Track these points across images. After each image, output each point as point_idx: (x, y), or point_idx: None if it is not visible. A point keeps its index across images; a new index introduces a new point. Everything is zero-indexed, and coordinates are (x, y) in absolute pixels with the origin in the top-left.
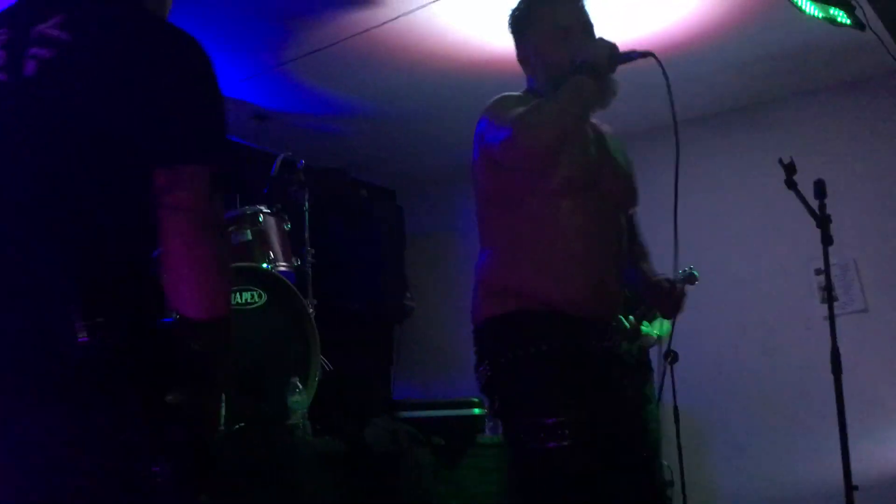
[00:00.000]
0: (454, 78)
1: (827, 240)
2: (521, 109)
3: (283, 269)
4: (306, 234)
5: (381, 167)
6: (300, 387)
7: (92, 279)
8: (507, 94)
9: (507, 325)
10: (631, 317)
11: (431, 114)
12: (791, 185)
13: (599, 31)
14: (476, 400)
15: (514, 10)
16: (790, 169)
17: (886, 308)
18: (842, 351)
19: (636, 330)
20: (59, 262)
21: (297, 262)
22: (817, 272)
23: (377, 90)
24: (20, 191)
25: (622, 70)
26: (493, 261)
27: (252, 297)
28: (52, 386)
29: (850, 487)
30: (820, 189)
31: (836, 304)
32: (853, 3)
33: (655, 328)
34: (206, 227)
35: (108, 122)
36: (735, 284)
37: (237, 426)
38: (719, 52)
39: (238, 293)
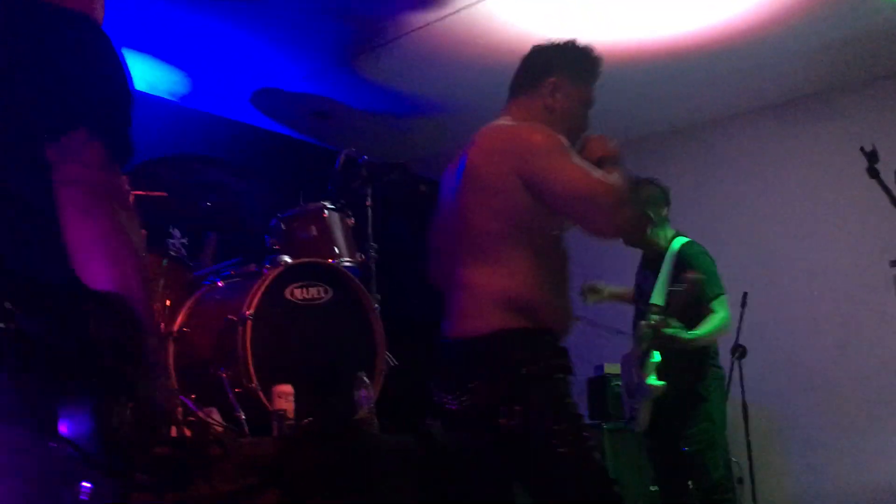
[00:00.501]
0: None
1: None
2: (604, 177)
3: (347, 264)
4: (369, 230)
5: (441, 162)
6: (367, 381)
7: None
8: (558, 136)
9: (532, 337)
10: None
11: (491, 108)
12: (874, 173)
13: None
14: None
15: (558, 58)
16: (872, 157)
17: None
18: None
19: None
20: None
21: (362, 257)
22: (892, 264)
23: (437, 85)
24: None
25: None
26: (514, 279)
27: (318, 292)
28: None
29: None
30: None
31: None
32: None
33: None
34: (101, 197)
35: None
36: (808, 277)
37: (305, 421)
38: (789, 39)
39: (305, 288)
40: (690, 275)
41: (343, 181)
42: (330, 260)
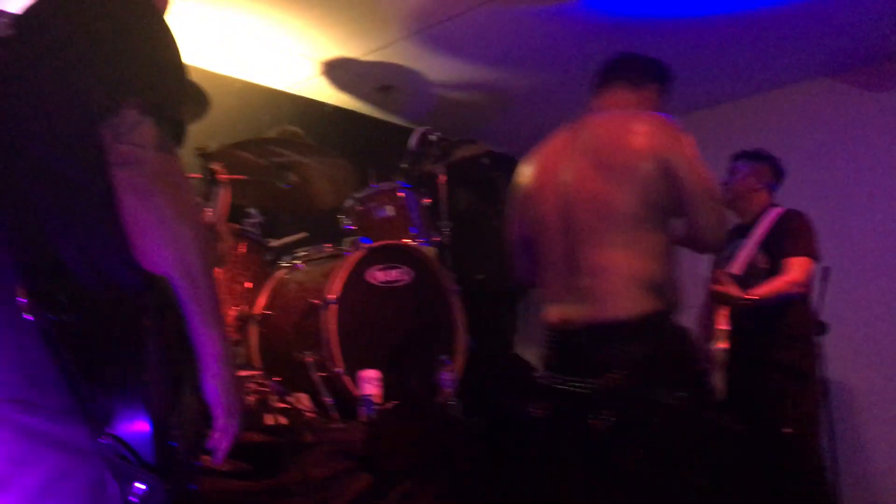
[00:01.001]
0: (577, 45)
1: None
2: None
3: (425, 244)
4: (443, 208)
5: (505, 134)
6: (449, 363)
7: (38, 262)
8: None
9: (671, 320)
10: None
11: (554, 81)
12: None
13: None
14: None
15: (662, 71)
16: None
17: None
18: None
19: None
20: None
21: (437, 236)
22: None
23: (501, 59)
24: None
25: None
26: (655, 261)
27: (399, 274)
28: None
29: None
30: None
31: None
32: None
33: None
34: (158, 178)
35: (53, 94)
36: (892, 249)
37: (391, 404)
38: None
39: (386, 270)
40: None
41: (417, 159)
42: (408, 241)
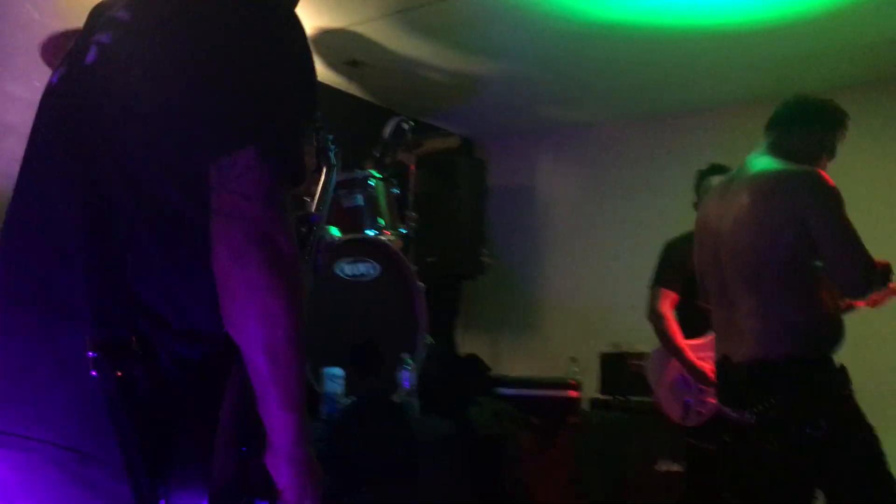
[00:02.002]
0: (549, 39)
1: None
2: (861, 243)
3: (391, 237)
4: (410, 198)
5: (469, 118)
6: (411, 363)
7: (112, 302)
8: (830, 181)
9: (824, 362)
10: None
11: (524, 73)
12: None
13: None
14: (573, 382)
15: (817, 109)
16: None
17: None
18: None
19: None
20: (81, 282)
21: (403, 229)
22: None
23: (476, 47)
24: (59, 199)
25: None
26: (801, 307)
27: (367, 268)
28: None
29: None
30: None
31: None
32: None
33: None
34: (259, 239)
35: (158, 111)
36: None
37: (349, 400)
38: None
39: (354, 264)
40: None
41: (390, 148)
42: (372, 231)
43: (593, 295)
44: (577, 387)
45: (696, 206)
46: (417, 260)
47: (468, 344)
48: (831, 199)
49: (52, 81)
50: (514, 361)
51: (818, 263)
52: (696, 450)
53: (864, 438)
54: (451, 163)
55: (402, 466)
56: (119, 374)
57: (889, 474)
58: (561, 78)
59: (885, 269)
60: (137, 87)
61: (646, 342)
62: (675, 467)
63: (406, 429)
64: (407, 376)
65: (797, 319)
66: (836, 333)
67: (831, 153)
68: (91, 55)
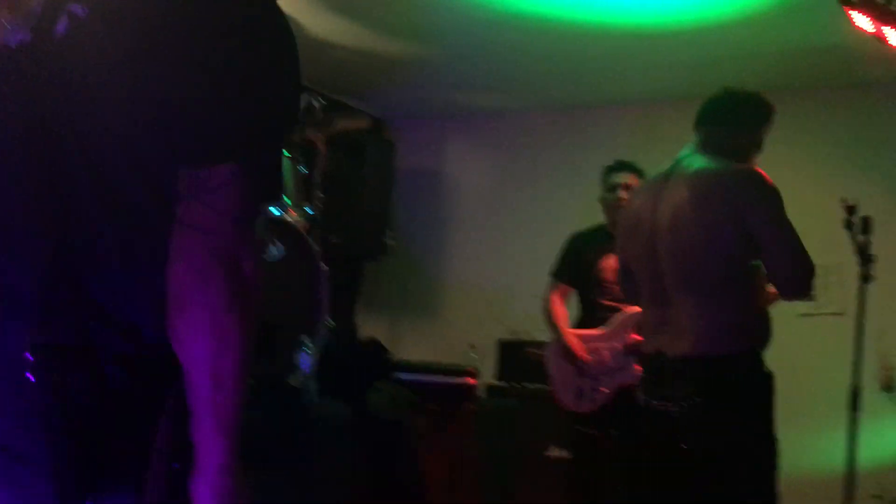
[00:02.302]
0: (464, 24)
1: None
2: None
3: (297, 217)
4: (317, 178)
5: (380, 98)
6: (309, 346)
7: (59, 298)
8: (770, 180)
9: (759, 359)
10: None
11: (436, 56)
12: (848, 225)
13: None
14: (470, 369)
15: (768, 114)
16: (851, 211)
17: None
18: None
19: None
20: (29, 274)
21: (309, 209)
22: None
23: (389, 27)
24: (12, 178)
25: None
26: (745, 307)
27: (270, 250)
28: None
29: None
30: None
31: None
32: None
33: None
34: (224, 257)
35: (132, 98)
36: None
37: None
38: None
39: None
40: None
41: (300, 126)
42: (279, 211)
43: (495, 282)
44: (474, 374)
45: (602, 201)
46: (321, 240)
47: (368, 326)
48: (772, 198)
49: (7, 44)
50: (413, 345)
51: (756, 262)
52: (582, 437)
53: (771, 450)
54: (360, 143)
55: (298, 450)
56: (55, 378)
57: (775, 492)
58: (475, 64)
59: None
60: (114, 74)
61: (544, 331)
62: (565, 454)
63: (302, 412)
64: (306, 360)
65: (735, 318)
66: (768, 332)
67: (759, 148)
68: (61, 25)
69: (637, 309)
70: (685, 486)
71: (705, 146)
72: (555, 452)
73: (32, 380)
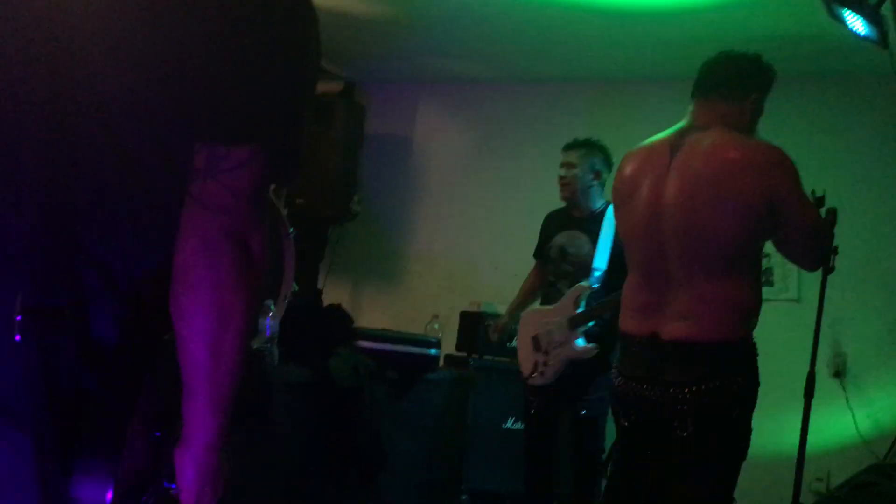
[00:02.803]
0: None
1: None
2: (821, 216)
3: None
4: None
5: (351, 60)
6: (273, 310)
7: (55, 255)
8: (791, 159)
9: (752, 347)
10: None
11: (407, 18)
12: None
13: None
14: (433, 340)
15: (759, 75)
16: (819, 202)
17: None
18: None
19: None
20: (28, 233)
21: None
22: None
23: None
24: (20, 131)
25: None
26: (749, 292)
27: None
28: None
29: None
30: None
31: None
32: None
33: None
34: (234, 237)
35: (162, 76)
36: None
37: None
38: None
39: None
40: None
41: None
42: None
43: (459, 252)
44: (437, 345)
45: (561, 179)
46: (286, 201)
47: (330, 291)
48: (796, 176)
49: None
50: (375, 312)
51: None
52: (532, 407)
53: (748, 441)
54: (329, 105)
55: (257, 415)
56: (44, 339)
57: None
58: (446, 31)
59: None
60: (139, 36)
61: (504, 303)
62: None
63: (262, 376)
64: (269, 323)
65: (740, 302)
66: (757, 317)
67: (761, 113)
68: None
69: (584, 286)
70: (677, 474)
71: (707, 117)
72: (512, 424)
73: (19, 340)
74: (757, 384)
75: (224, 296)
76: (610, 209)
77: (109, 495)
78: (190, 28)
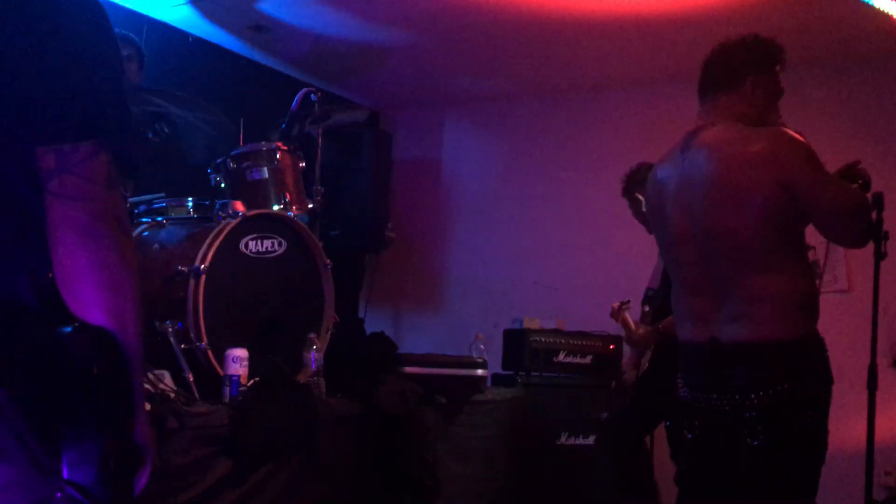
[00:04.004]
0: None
1: None
2: (856, 193)
3: (298, 212)
4: (318, 172)
5: (374, 88)
6: (317, 343)
7: None
8: (799, 137)
9: (821, 342)
10: None
11: (431, 46)
12: None
13: None
14: (479, 360)
15: (750, 56)
16: None
17: None
18: None
19: None
20: None
21: (310, 203)
22: None
23: (382, 16)
24: None
25: None
26: (796, 283)
27: (273, 244)
28: None
29: None
30: None
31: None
32: None
33: None
34: (106, 219)
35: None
36: None
37: (252, 381)
38: None
39: (260, 240)
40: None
41: (297, 120)
42: (281, 207)
43: (496, 270)
44: (483, 365)
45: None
46: (321, 234)
47: (371, 320)
48: (809, 158)
49: None
50: (417, 337)
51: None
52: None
53: (825, 442)
54: (356, 135)
55: (307, 448)
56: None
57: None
58: (466, 51)
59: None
60: None
61: (548, 319)
62: (575, 441)
63: (311, 410)
64: (313, 356)
65: (793, 294)
66: (818, 307)
67: (773, 94)
68: None
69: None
70: (753, 485)
71: (712, 114)
72: (567, 440)
73: None
74: (828, 383)
75: (113, 272)
76: None
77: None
78: (18, 54)
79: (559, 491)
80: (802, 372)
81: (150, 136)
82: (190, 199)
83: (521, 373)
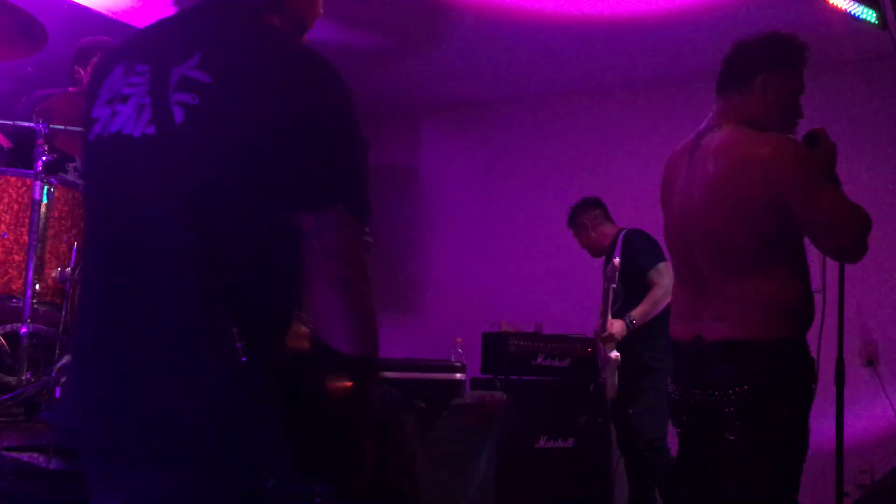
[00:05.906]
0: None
1: None
2: (854, 207)
3: None
4: None
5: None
6: None
7: (242, 327)
8: (803, 148)
9: (802, 346)
10: None
11: (400, 50)
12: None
13: None
14: (458, 364)
15: (764, 53)
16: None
17: None
18: None
19: None
20: (208, 314)
21: None
22: None
23: (350, 19)
24: (171, 245)
25: None
26: (784, 288)
27: None
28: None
29: None
30: None
31: None
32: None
33: None
34: (355, 269)
35: (254, 167)
36: None
37: None
38: None
39: None
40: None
41: None
42: None
43: (475, 275)
44: (462, 369)
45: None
46: None
47: None
48: (804, 169)
49: (132, 135)
50: (396, 342)
51: (798, 235)
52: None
53: (806, 443)
54: None
55: None
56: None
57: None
58: (444, 56)
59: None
60: (230, 145)
61: (526, 323)
62: (554, 444)
63: None
64: None
65: (779, 298)
66: (811, 314)
67: (788, 95)
68: (179, 116)
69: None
70: (731, 480)
71: (722, 114)
72: (545, 443)
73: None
74: (809, 382)
75: (362, 311)
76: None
77: None
78: (266, 124)
79: (539, 494)
80: (779, 371)
81: None
82: None
83: (499, 376)
